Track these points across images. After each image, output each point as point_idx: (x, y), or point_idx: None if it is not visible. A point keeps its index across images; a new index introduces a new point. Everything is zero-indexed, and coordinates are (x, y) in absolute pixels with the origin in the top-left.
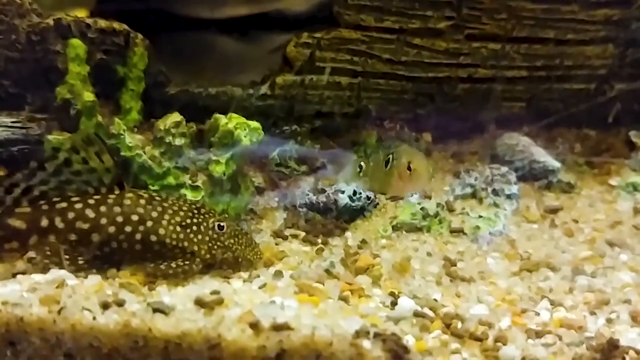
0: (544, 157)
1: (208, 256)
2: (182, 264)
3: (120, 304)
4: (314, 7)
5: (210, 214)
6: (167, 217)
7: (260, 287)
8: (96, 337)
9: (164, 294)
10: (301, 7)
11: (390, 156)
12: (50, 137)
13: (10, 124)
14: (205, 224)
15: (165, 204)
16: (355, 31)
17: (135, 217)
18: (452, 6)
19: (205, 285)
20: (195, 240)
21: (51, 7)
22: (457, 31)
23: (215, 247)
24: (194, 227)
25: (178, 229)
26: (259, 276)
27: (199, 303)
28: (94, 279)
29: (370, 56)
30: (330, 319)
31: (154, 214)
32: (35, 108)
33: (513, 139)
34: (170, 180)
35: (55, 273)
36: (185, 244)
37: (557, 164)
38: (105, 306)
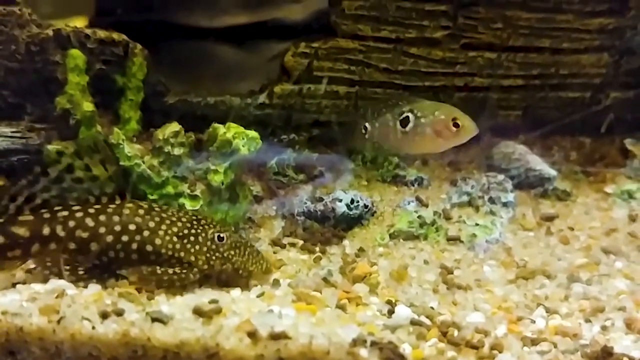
0: (540, 165)
1: (206, 267)
2: (178, 271)
3: (120, 313)
4: (312, 16)
5: (211, 225)
6: (164, 227)
7: (258, 296)
8: (95, 346)
9: (163, 303)
10: (299, 16)
11: (409, 114)
12: (49, 146)
13: (10, 134)
14: (203, 234)
15: (164, 215)
16: (352, 41)
17: (132, 227)
18: (448, 16)
19: (203, 295)
20: (192, 250)
21: (50, 16)
22: (454, 40)
23: (214, 258)
24: (192, 238)
25: (175, 239)
26: (257, 285)
27: (198, 312)
28: (93, 289)
29: (367, 65)
30: (327, 327)
31: (151, 224)
32: (35, 118)
33: (509, 147)
34: (169, 189)
35: (55, 283)
36: (182, 254)
37: (553, 172)
38: (104, 315)
